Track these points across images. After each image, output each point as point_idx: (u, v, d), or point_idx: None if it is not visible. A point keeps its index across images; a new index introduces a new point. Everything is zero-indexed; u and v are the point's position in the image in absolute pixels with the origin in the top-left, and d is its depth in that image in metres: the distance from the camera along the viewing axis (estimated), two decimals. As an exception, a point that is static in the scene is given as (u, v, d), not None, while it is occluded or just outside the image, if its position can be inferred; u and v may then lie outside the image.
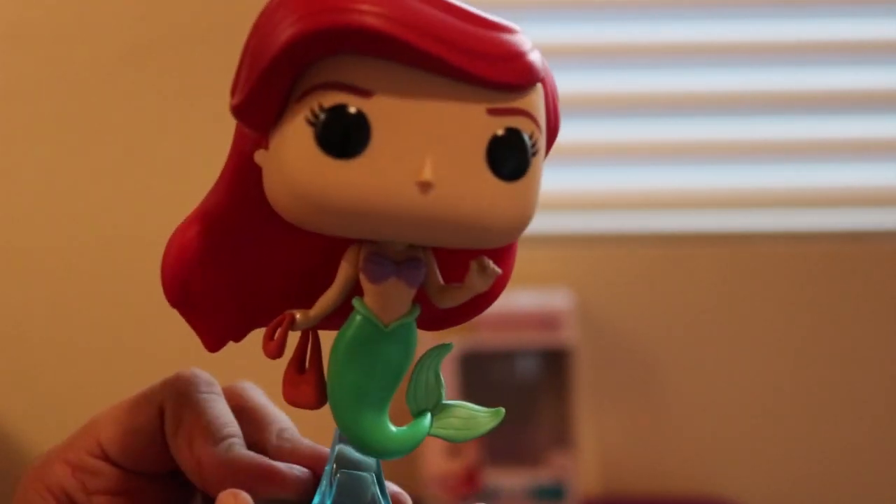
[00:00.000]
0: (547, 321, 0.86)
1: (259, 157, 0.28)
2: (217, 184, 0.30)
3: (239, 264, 0.31)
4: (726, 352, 0.97)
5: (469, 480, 0.86)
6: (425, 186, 0.27)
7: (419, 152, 0.27)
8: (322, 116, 0.26)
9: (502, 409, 0.31)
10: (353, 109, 0.26)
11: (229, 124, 0.29)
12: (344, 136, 0.26)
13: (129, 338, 0.95)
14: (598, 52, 0.99)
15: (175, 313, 0.31)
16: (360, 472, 0.31)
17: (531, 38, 0.28)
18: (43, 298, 0.97)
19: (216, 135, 1.02)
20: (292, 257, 0.31)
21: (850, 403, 0.97)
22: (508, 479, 0.87)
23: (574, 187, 0.99)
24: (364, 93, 0.26)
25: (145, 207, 0.93)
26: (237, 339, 0.32)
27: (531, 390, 0.92)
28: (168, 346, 0.96)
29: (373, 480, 0.32)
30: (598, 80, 0.99)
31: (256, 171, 0.28)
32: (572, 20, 0.99)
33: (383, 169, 0.27)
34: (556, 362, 0.89)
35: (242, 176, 0.29)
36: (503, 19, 0.28)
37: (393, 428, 0.30)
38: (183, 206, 0.31)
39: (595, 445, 0.96)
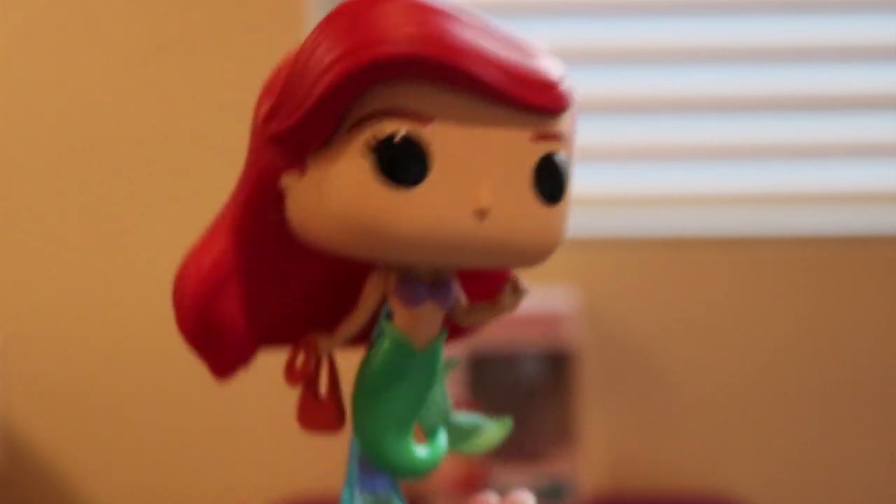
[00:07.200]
0: (552, 321, 0.87)
1: (289, 181, 0.27)
2: (231, 208, 0.30)
3: (255, 291, 0.30)
4: (732, 351, 0.98)
5: (473, 478, 0.86)
6: (482, 213, 0.27)
7: (476, 178, 0.27)
8: (381, 144, 0.26)
9: (509, 420, 0.31)
10: (412, 136, 0.26)
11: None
12: (404, 164, 0.26)
13: (132, 338, 0.96)
14: (601, 52, 0.99)
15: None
16: (385, 494, 0.30)
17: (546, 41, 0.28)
18: (50, 299, 0.97)
19: (230, 135, 1.03)
20: (306, 281, 0.30)
21: (855, 403, 0.97)
22: (512, 477, 0.88)
23: (579, 187, 1.00)
24: (423, 119, 0.26)
25: (162, 208, 0.94)
26: (246, 365, 0.31)
27: (536, 390, 0.92)
28: (169, 346, 0.97)
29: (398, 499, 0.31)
30: (606, 81, 1.00)
31: (275, 194, 0.28)
32: (572, 20, 0.99)
33: (442, 196, 0.26)
34: (560, 362, 0.89)
35: (261, 199, 0.28)
36: (530, 39, 0.28)
37: (419, 449, 0.29)
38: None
39: (602, 444, 0.97)
